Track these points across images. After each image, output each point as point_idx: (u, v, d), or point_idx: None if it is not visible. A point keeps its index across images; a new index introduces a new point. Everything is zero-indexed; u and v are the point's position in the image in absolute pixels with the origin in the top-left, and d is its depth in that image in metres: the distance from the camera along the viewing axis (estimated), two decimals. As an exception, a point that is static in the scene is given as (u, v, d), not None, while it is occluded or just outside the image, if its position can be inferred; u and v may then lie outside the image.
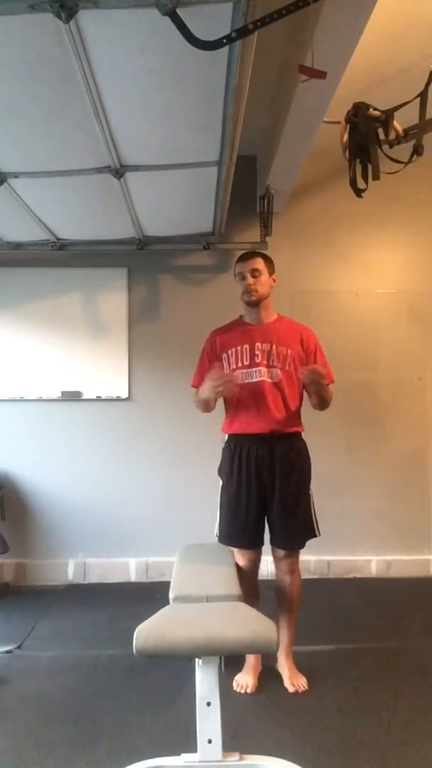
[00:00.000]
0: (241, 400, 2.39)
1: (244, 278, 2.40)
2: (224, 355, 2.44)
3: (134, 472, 3.80)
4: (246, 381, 2.39)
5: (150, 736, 1.99)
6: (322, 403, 2.42)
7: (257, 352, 2.40)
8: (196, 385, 2.51)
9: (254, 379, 2.38)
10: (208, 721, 1.67)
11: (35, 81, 1.79)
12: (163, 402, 3.75)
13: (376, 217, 3.84)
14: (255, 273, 2.39)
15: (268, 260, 2.45)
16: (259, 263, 2.41)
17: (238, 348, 2.42)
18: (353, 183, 2.33)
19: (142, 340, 3.82)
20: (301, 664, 2.42)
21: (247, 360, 2.40)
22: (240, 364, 2.41)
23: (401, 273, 3.93)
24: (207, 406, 2.44)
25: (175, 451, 3.78)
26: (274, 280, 2.47)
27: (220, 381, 2.25)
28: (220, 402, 2.49)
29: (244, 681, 2.34)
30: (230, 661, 2.38)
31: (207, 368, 2.48)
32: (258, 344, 2.40)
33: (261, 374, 2.38)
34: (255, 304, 2.43)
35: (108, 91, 1.85)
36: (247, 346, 2.41)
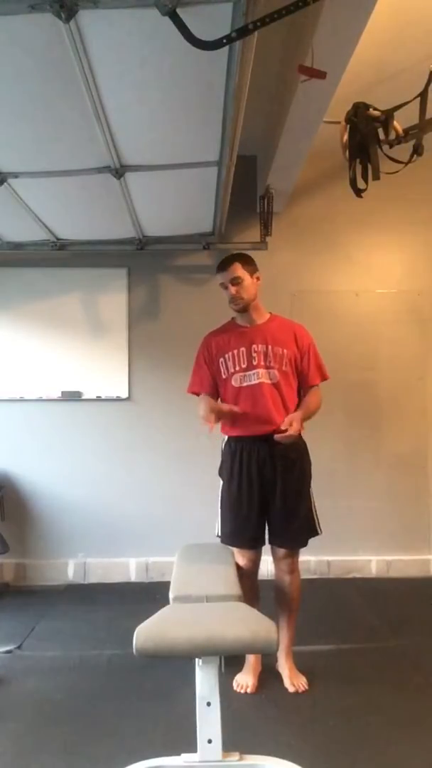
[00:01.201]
0: (241, 402, 2.39)
1: (225, 288, 2.40)
2: (221, 359, 2.44)
3: (134, 472, 3.80)
4: (245, 384, 2.39)
5: (150, 736, 1.99)
6: (311, 416, 2.44)
7: (254, 354, 2.39)
8: (195, 391, 2.52)
9: (253, 382, 2.38)
10: (208, 721, 1.67)
11: (35, 81, 1.79)
12: (163, 402, 3.76)
13: (376, 217, 3.84)
14: (235, 281, 2.38)
15: (246, 262, 2.42)
16: (238, 269, 2.38)
17: (235, 351, 2.42)
18: (353, 183, 2.33)
19: (142, 340, 3.82)
20: (301, 664, 2.42)
21: (244, 363, 2.40)
22: (238, 368, 2.41)
23: (401, 273, 3.93)
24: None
25: (174, 451, 3.78)
26: (257, 279, 2.44)
27: (215, 414, 2.23)
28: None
29: (244, 681, 2.34)
30: (230, 661, 2.38)
31: (204, 373, 2.49)
32: (254, 346, 2.40)
33: (260, 376, 2.38)
34: (243, 310, 2.43)
35: (108, 91, 1.85)
36: (243, 348, 2.41)
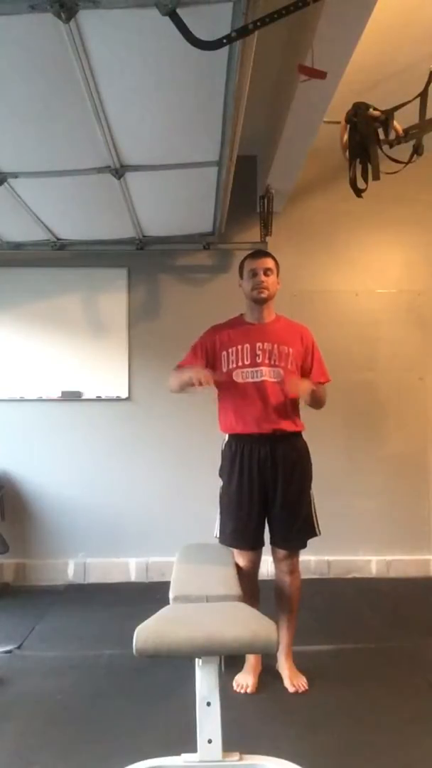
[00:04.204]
0: (243, 399, 2.38)
1: (256, 275, 2.41)
2: (224, 353, 2.44)
3: (134, 471, 3.80)
4: (248, 380, 2.39)
5: (150, 736, 1.99)
6: (316, 403, 2.44)
7: (258, 352, 2.40)
8: (182, 365, 2.48)
9: (257, 379, 2.38)
10: (208, 721, 1.67)
11: (35, 81, 1.79)
12: (163, 402, 3.75)
13: (376, 217, 3.84)
14: (267, 272, 2.42)
15: (277, 262, 2.49)
16: (272, 263, 2.45)
17: (239, 347, 2.42)
18: (353, 183, 2.32)
19: (142, 340, 3.82)
20: (301, 664, 2.42)
21: (248, 359, 2.40)
22: (241, 363, 2.41)
23: (401, 273, 3.93)
24: (178, 390, 2.38)
25: (174, 451, 3.78)
26: (278, 283, 2.49)
27: (198, 379, 2.20)
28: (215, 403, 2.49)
29: (244, 681, 2.34)
30: (230, 661, 2.38)
31: (196, 359, 2.45)
32: (259, 344, 2.40)
33: (263, 374, 2.38)
34: (263, 301, 2.44)
35: (108, 90, 1.85)
36: (248, 345, 2.41)
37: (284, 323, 2.51)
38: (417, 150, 2.36)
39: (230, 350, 2.43)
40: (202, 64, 1.68)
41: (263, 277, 2.41)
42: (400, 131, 2.31)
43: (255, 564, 2.42)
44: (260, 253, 2.52)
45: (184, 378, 2.30)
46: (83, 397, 3.78)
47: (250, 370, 2.39)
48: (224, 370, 2.43)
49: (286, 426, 2.37)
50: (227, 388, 2.45)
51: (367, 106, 2.27)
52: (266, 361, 2.39)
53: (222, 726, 1.67)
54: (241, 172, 2.89)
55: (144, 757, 1.77)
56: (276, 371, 2.38)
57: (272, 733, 2.01)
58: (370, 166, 2.26)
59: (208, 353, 2.47)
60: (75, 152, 2.31)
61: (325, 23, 1.94)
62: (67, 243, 3.57)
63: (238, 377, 2.40)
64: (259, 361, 2.39)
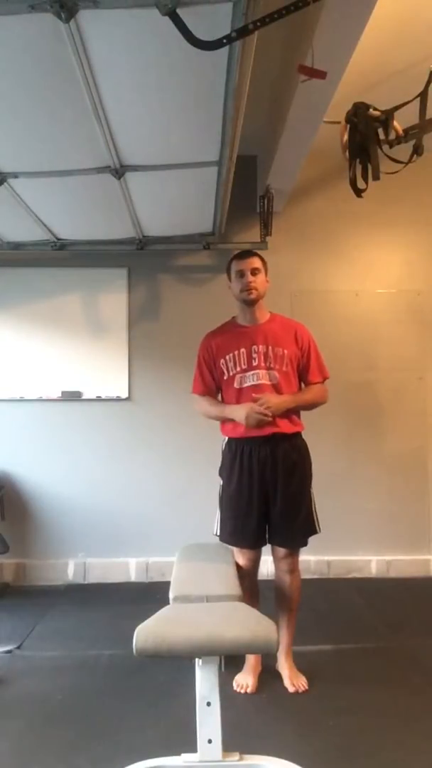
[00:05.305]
0: (241, 403, 2.38)
1: (243, 276, 2.40)
2: (222, 360, 2.44)
3: (134, 471, 3.80)
4: (245, 385, 2.39)
5: (150, 736, 1.99)
6: (306, 408, 2.45)
7: (254, 355, 2.39)
8: (198, 392, 2.52)
9: (253, 383, 2.38)
10: (208, 721, 1.67)
11: (35, 81, 1.79)
12: (163, 402, 3.76)
13: (376, 217, 3.84)
14: (255, 272, 2.41)
15: (264, 261, 2.47)
16: (258, 262, 2.43)
17: (235, 352, 2.42)
18: (353, 183, 2.33)
19: (142, 340, 3.82)
20: (301, 664, 2.42)
21: (245, 363, 2.40)
22: (239, 368, 2.41)
23: (401, 273, 3.93)
24: (215, 419, 2.47)
25: (175, 451, 3.78)
26: (267, 281, 2.48)
27: (260, 415, 2.26)
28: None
29: (244, 681, 2.34)
30: (230, 661, 2.38)
31: (206, 375, 2.48)
32: (254, 347, 2.40)
33: (260, 377, 2.38)
34: (253, 303, 2.43)
35: (108, 91, 1.85)
36: (243, 349, 2.41)
37: (279, 322, 2.50)
38: (417, 150, 2.36)
39: (227, 357, 2.43)
40: (202, 64, 1.68)
41: (251, 278, 2.39)
42: (400, 131, 2.31)
43: (255, 563, 2.43)
44: (246, 253, 2.48)
45: (234, 416, 2.35)
46: (83, 397, 3.78)
47: (246, 374, 2.40)
48: (225, 378, 2.43)
49: (285, 427, 2.36)
50: (227, 393, 2.45)
51: (367, 106, 2.28)
52: (262, 364, 2.39)
53: (222, 726, 1.67)
54: (241, 172, 2.89)
55: (144, 757, 1.77)
56: (272, 374, 2.38)
57: (272, 733, 2.01)
58: (370, 166, 2.27)
59: (210, 367, 2.48)
60: (75, 152, 2.31)
61: (325, 23, 1.94)
62: (67, 243, 3.56)
63: (237, 382, 2.40)
64: (255, 364, 2.39)
